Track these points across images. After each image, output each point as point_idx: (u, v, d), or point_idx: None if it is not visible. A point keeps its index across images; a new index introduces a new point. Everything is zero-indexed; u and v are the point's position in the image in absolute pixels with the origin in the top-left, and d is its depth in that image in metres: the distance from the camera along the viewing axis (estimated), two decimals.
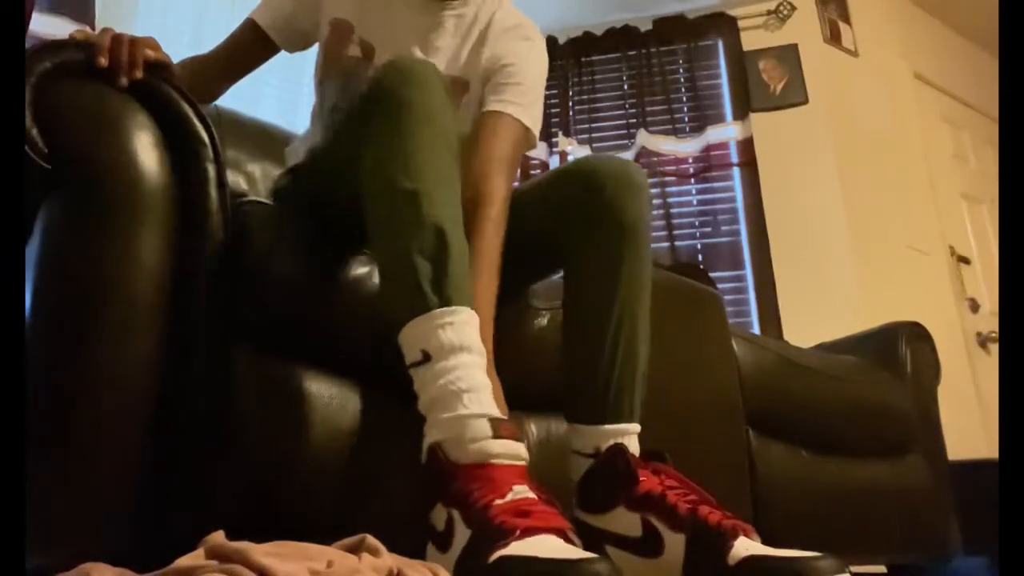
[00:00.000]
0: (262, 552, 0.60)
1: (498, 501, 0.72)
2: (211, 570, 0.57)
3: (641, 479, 0.88)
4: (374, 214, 0.87)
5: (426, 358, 0.79)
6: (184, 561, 0.60)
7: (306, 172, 1.13)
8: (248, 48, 1.27)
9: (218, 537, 0.65)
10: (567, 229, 1.04)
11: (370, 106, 0.91)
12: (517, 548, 0.67)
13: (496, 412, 0.78)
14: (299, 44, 1.30)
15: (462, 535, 0.73)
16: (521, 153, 1.22)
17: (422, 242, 0.82)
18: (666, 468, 0.92)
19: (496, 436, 0.75)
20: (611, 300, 1.00)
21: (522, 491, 0.74)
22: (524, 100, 1.19)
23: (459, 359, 0.79)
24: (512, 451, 0.76)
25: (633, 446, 0.97)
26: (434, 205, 0.83)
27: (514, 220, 1.06)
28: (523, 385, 0.98)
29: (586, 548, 0.86)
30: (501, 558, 0.67)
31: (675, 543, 0.82)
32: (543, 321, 1.19)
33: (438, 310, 0.80)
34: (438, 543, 0.75)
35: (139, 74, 0.92)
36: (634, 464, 0.89)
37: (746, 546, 0.80)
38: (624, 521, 0.86)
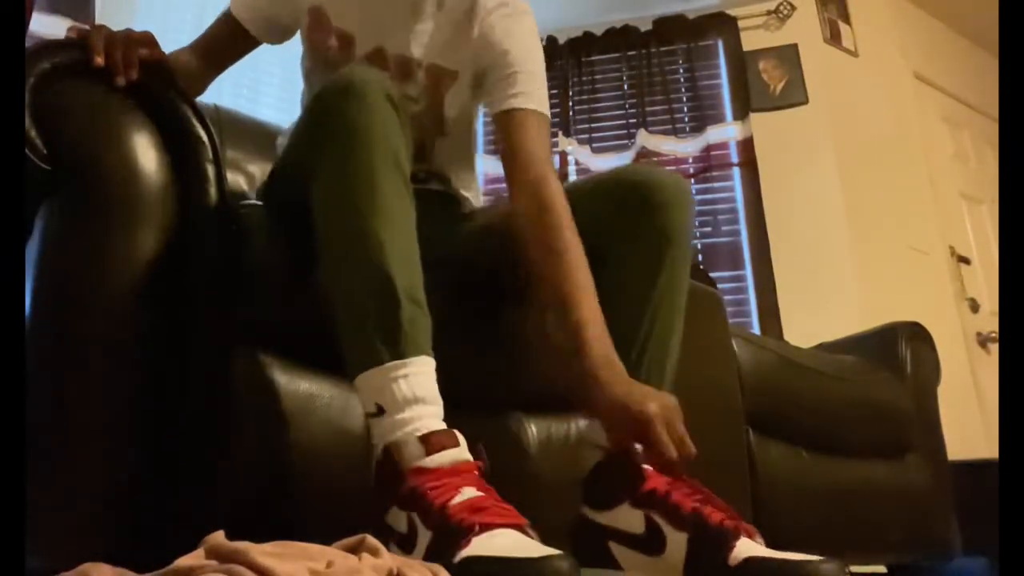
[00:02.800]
0: (262, 552, 0.60)
1: (452, 501, 0.73)
2: (211, 570, 0.57)
3: (647, 476, 0.88)
4: (323, 253, 0.86)
5: (380, 411, 0.80)
6: (184, 561, 0.60)
7: (279, 176, 1.11)
8: (227, 40, 1.25)
9: (218, 537, 0.65)
10: (611, 232, 1.03)
11: (315, 127, 0.90)
12: (479, 546, 0.69)
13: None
14: (277, 36, 1.28)
15: (424, 536, 0.74)
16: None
17: (372, 290, 0.82)
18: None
19: (428, 454, 0.77)
20: (647, 306, 1.02)
21: (471, 492, 0.75)
22: (537, 87, 1.15)
23: (414, 411, 0.79)
24: (447, 460, 0.77)
25: None
26: (380, 250, 0.82)
27: None
28: (523, 385, 0.98)
29: (589, 545, 0.87)
30: (466, 559, 0.68)
31: (677, 541, 0.82)
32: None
33: (390, 363, 0.80)
34: (402, 545, 0.76)
35: (135, 74, 0.92)
36: (640, 462, 0.89)
37: (747, 548, 0.80)
38: (628, 518, 0.86)
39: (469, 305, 1.08)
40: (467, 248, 1.12)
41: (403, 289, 0.82)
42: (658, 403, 0.87)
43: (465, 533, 0.70)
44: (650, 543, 0.84)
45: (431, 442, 0.78)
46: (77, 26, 0.99)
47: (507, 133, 1.12)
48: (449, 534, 0.71)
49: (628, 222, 1.02)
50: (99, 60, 0.90)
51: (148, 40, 0.97)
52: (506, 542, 0.70)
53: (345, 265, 0.84)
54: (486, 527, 0.71)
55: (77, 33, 0.95)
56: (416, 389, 0.80)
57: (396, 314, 0.81)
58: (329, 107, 0.88)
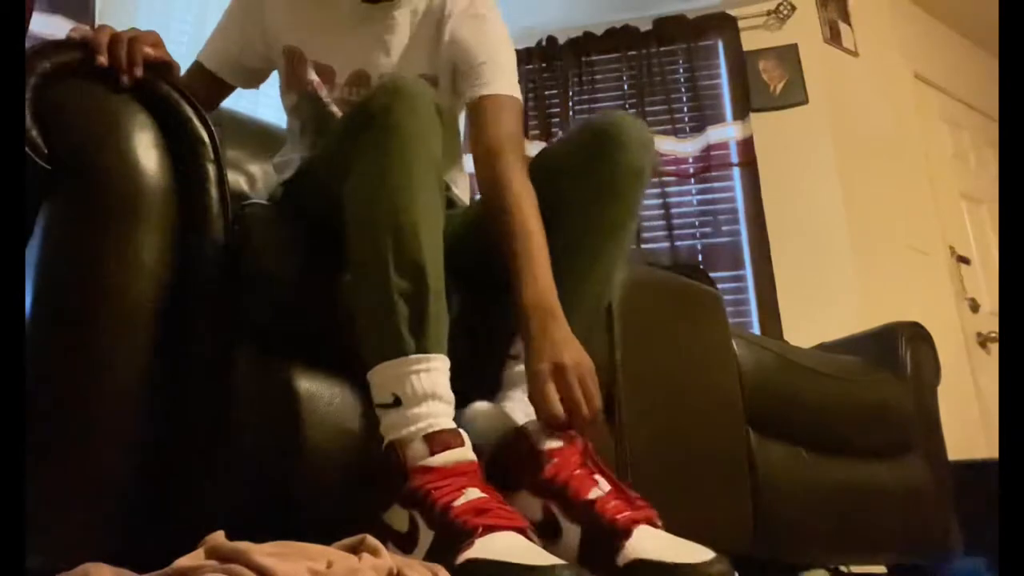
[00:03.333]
0: (262, 552, 0.60)
1: (456, 502, 0.74)
2: (211, 570, 0.57)
3: (546, 461, 0.85)
4: (356, 242, 0.87)
5: (396, 402, 0.80)
6: (184, 561, 0.60)
7: (298, 186, 1.12)
8: (205, 87, 1.25)
9: (218, 537, 0.65)
10: (571, 174, 1.03)
11: (358, 127, 0.91)
12: (482, 549, 0.69)
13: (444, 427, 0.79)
14: (254, 80, 1.31)
15: (426, 537, 0.75)
16: (521, 121, 1.21)
17: (402, 281, 0.83)
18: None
19: (433, 453, 0.77)
20: (596, 232, 1.00)
21: (474, 493, 0.75)
22: (502, 75, 1.18)
23: (429, 407, 0.80)
24: (452, 460, 0.77)
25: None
26: (417, 242, 0.84)
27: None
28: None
29: None
30: (469, 561, 0.68)
31: (572, 532, 0.81)
32: None
33: (414, 356, 0.81)
34: (402, 545, 0.76)
35: (139, 72, 0.92)
36: (540, 447, 0.85)
37: (637, 547, 0.77)
38: (527, 504, 0.84)
39: (458, 299, 1.08)
40: (454, 242, 1.12)
41: (434, 284, 0.83)
42: (571, 356, 0.86)
43: (468, 535, 0.71)
44: (547, 531, 0.83)
45: (436, 441, 0.78)
46: (80, 27, 0.99)
47: (471, 119, 1.16)
48: (452, 535, 0.72)
49: (584, 160, 1.02)
50: (102, 59, 0.90)
51: (154, 40, 0.97)
52: (509, 546, 0.70)
53: (378, 256, 0.84)
54: (489, 529, 0.71)
55: (80, 33, 0.94)
56: (435, 386, 0.81)
57: (427, 307, 0.82)
58: (379, 107, 0.89)
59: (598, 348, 1.08)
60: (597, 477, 0.84)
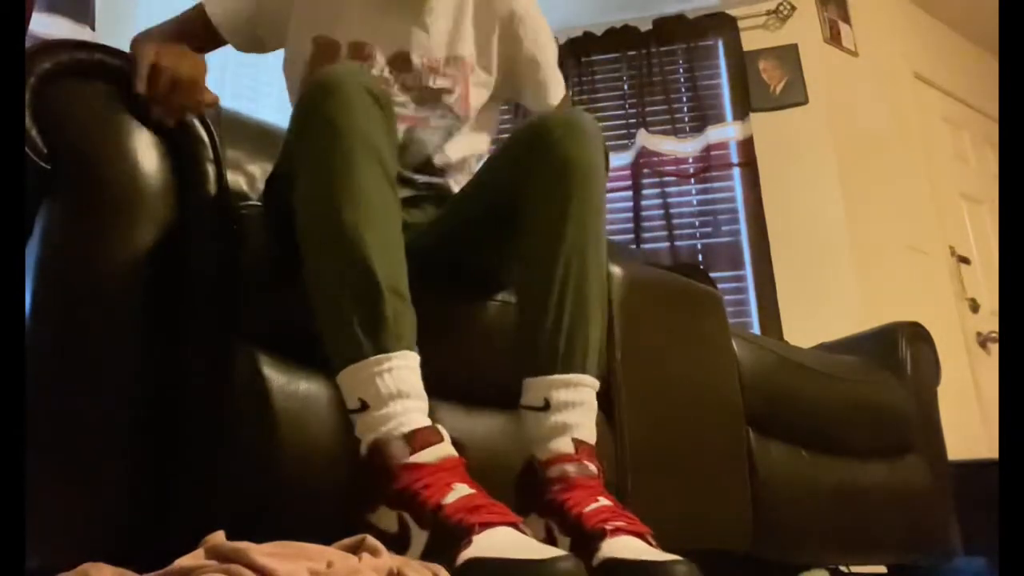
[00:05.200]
0: (262, 552, 0.60)
1: (446, 500, 0.73)
2: (211, 570, 0.57)
3: (548, 488, 0.85)
4: (304, 249, 0.86)
5: (364, 406, 0.80)
6: (184, 561, 0.60)
7: (274, 178, 1.11)
8: (197, 35, 1.21)
9: (218, 537, 0.65)
10: (519, 180, 0.99)
11: (298, 125, 0.90)
12: (482, 547, 0.69)
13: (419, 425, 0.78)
14: (253, 47, 1.28)
15: (419, 537, 0.74)
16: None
17: (353, 283, 0.81)
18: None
19: (414, 451, 0.76)
20: (558, 245, 0.94)
21: (463, 489, 0.75)
22: (557, 74, 1.31)
23: (398, 406, 0.79)
24: (434, 457, 0.77)
25: (587, 400, 0.92)
26: (361, 241, 0.82)
27: (476, 190, 1.08)
28: (501, 383, 0.97)
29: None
30: (471, 560, 0.68)
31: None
32: None
33: (372, 357, 0.79)
34: (393, 546, 0.75)
35: (172, 123, 0.92)
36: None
37: (611, 549, 0.78)
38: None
39: (455, 298, 1.08)
40: (447, 243, 1.11)
41: (385, 282, 0.82)
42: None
43: (465, 534, 0.70)
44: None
45: (416, 439, 0.77)
46: (132, 52, 0.98)
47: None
48: (448, 534, 0.71)
49: (532, 158, 0.98)
50: (141, 88, 0.90)
51: (196, 80, 0.95)
52: (507, 542, 0.70)
53: (325, 259, 0.83)
54: (485, 526, 0.71)
55: (128, 56, 0.94)
56: (400, 384, 0.80)
57: (379, 307, 0.81)
58: (309, 104, 0.88)
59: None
60: (599, 498, 0.85)
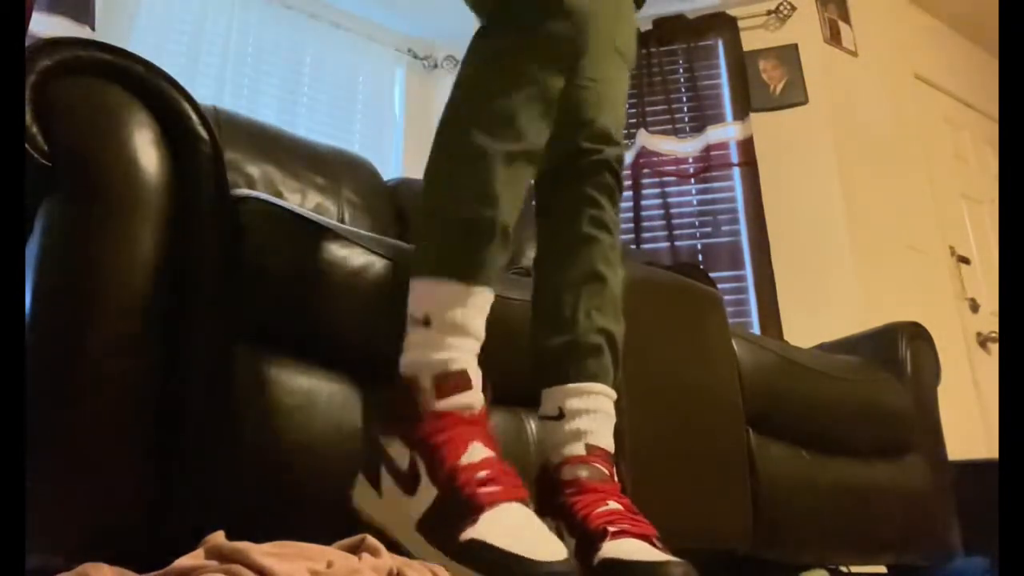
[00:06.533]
0: (262, 552, 0.60)
1: (461, 461, 0.74)
2: (211, 570, 0.57)
3: (562, 490, 0.85)
4: (440, 148, 0.84)
5: (427, 322, 0.79)
6: (184, 561, 0.60)
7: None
8: None
9: (218, 537, 0.65)
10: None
11: (499, 24, 0.86)
12: (486, 526, 0.70)
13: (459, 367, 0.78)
14: None
15: (428, 490, 0.74)
16: None
17: (476, 209, 0.80)
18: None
19: (443, 395, 0.76)
20: (580, 244, 0.97)
21: (479, 450, 0.75)
22: None
23: (457, 340, 0.79)
24: (461, 405, 0.77)
25: (602, 408, 0.93)
26: (499, 178, 0.80)
27: None
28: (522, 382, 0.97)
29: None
30: (473, 541, 0.69)
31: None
32: None
33: (462, 284, 0.79)
34: (402, 483, 0.76)
35: None
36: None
37: (611, 549, 0.78)
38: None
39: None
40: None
41: (500, 218, 0.81)
42: None
43: (473, 511, 0.71)
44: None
45: (451, 382, 0.77)
46: None
47: None
48: (457, 504, 0.72)
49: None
50: None
51: None
52: (513, 526, 0.71)
53: (458, 176, 0.82)
54: (494, 504, 0.72)
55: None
56: (469, 320, 0.79)
57: (488, 240, 0.80)
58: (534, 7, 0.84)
59: None
60: (609, 501, 0.85)
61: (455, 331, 0.79)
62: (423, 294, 0.81)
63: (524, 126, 0.83)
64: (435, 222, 0.83)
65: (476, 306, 0.80)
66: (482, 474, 0.74)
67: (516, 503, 0.74)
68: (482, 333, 0.82)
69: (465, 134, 0.82)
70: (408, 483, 0.76)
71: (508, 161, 0.82)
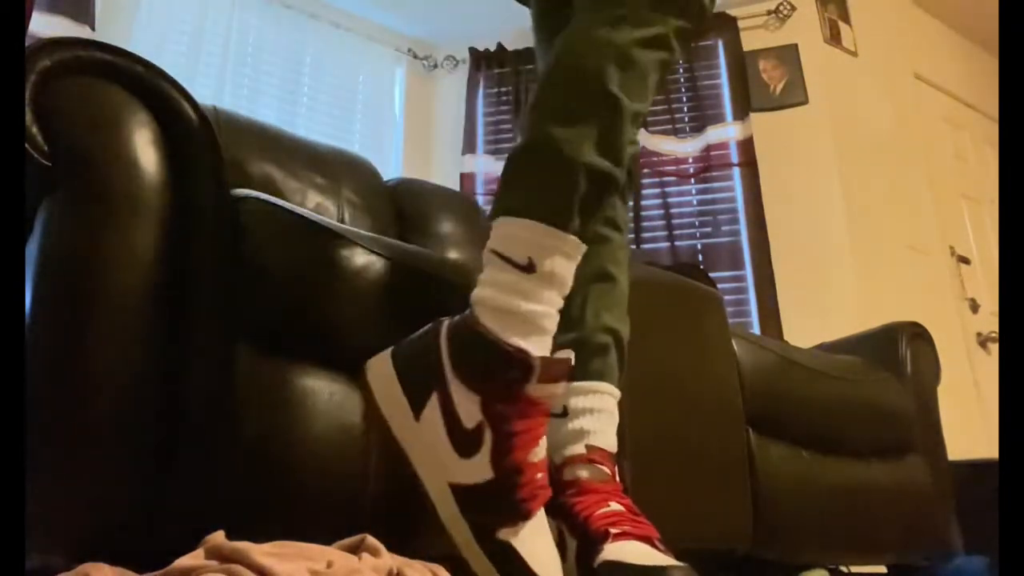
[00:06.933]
0: (262, 552, 0.60)
1: (530, 459, 0.73)
2: (211, 570, 0.57)
3: (562, 491, 0.85)
4: (568, 84, 0.80)
5: (529, 268, 0.75)
6: (184, 561, 0.60)
7: None
8: None
9: (218, 537, 0.65)
10: None
11: None
12: (526, 545, 0.71)
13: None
14: None
15: (482, 467, 0.72)
16: None
17: (597, 160, 0.76)
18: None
19: (541, 381, 0.73)
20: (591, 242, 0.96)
21: (541, 448, 0.74)
22: None
23: (552, 295, 0.76)
24: (550, 393, 0.75)
25: (606, 407, 0.92)
26: (626, 135, 0.78)
27: None
28: None
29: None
30: (509, 548, 0.70)
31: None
32: None
33: (572, 237, 0.76)
34: (456, 437, 0.73)
35: None
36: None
37: (611, 551, 0.78)
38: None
39: None
40: None
41: (619, 178, 0.79)
42: None
43: (519, 516, 0.72)
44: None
45: (552, 372, 0.74)
46: None
47: None
48: (507, 501, 0.72)
49: None
50: None
51: None
52: (544, 547, 0.73)
53: (586, 120, 0.77)
54: (531, 514, 0.72)
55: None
56: (567, 275, 0.77)
57: (604, 198, 0.78)
58: None
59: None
60: (611, 502, 0.85)
61: (553, 284, 0.76)
62: (530, 240, 0.75)
63: (650, 89, 0.80)
64: (554, 161, 0.77)
65: (576, 263, 0.78)
66: (540, 476, 0.74)
67: (544, 517, 0.74)
68: (567, 290, 0.79)
69: (599, 80, 0.77)
70: (463, 444, 0.73)
71: (634, 121, 0.79)
